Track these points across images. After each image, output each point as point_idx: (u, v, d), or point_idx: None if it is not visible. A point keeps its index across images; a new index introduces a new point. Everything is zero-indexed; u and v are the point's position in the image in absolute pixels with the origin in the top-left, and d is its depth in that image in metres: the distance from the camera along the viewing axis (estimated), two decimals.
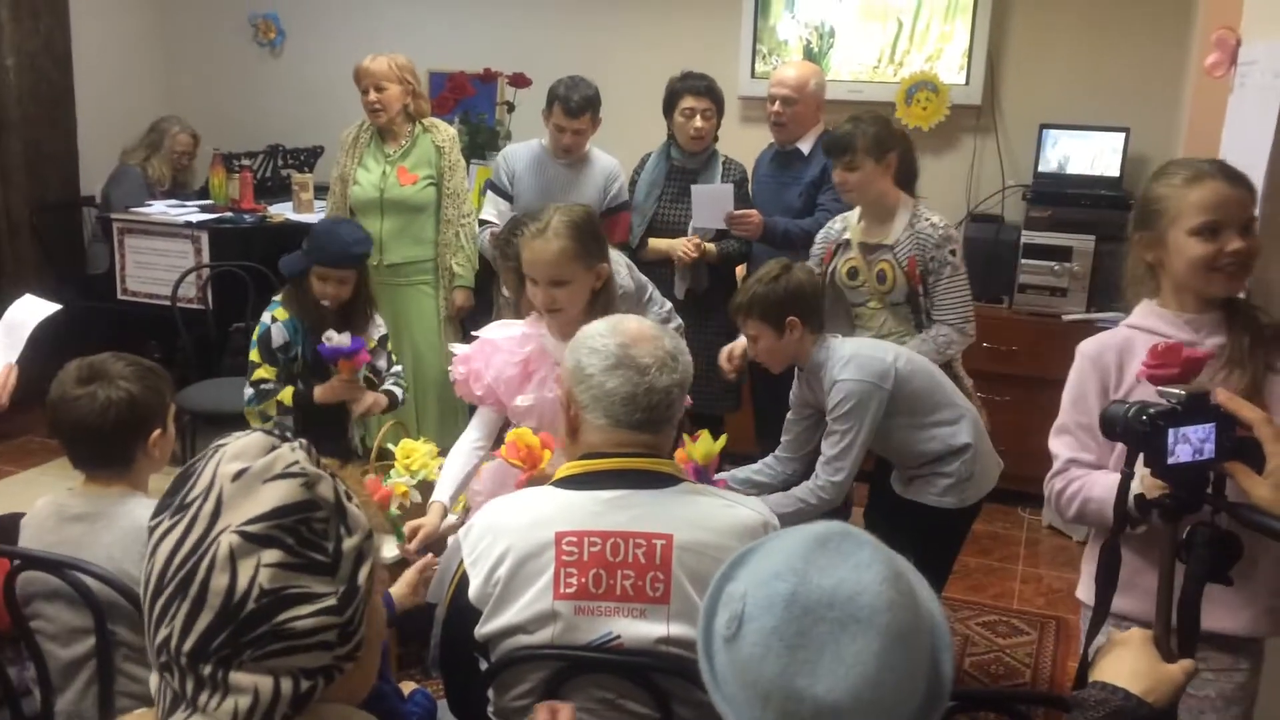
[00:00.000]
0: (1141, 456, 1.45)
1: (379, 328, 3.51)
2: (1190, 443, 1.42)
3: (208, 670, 0.96)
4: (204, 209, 4.85)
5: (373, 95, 3.91)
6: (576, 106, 3.74)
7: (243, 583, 0.95)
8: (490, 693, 1.73)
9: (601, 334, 1.79)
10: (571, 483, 1.74)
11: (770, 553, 1.14)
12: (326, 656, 0.99)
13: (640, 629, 1.63)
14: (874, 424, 2.65)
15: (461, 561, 1.73)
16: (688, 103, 3.83)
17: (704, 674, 1.16)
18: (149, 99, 5.39)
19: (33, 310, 3.01)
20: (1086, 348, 1.99)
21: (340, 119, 4.41)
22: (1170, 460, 1.41)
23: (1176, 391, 1.44)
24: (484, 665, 1.71)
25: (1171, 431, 1.41)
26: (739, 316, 2.77)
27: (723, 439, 2.59)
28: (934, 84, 4.71)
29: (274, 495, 0.98)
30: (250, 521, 0.96)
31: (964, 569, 3.87)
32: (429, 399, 4.12)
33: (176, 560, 0.97)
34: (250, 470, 0.99)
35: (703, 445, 2.54)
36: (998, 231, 4.51)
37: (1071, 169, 4.51)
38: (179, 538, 0.98)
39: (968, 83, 4.71)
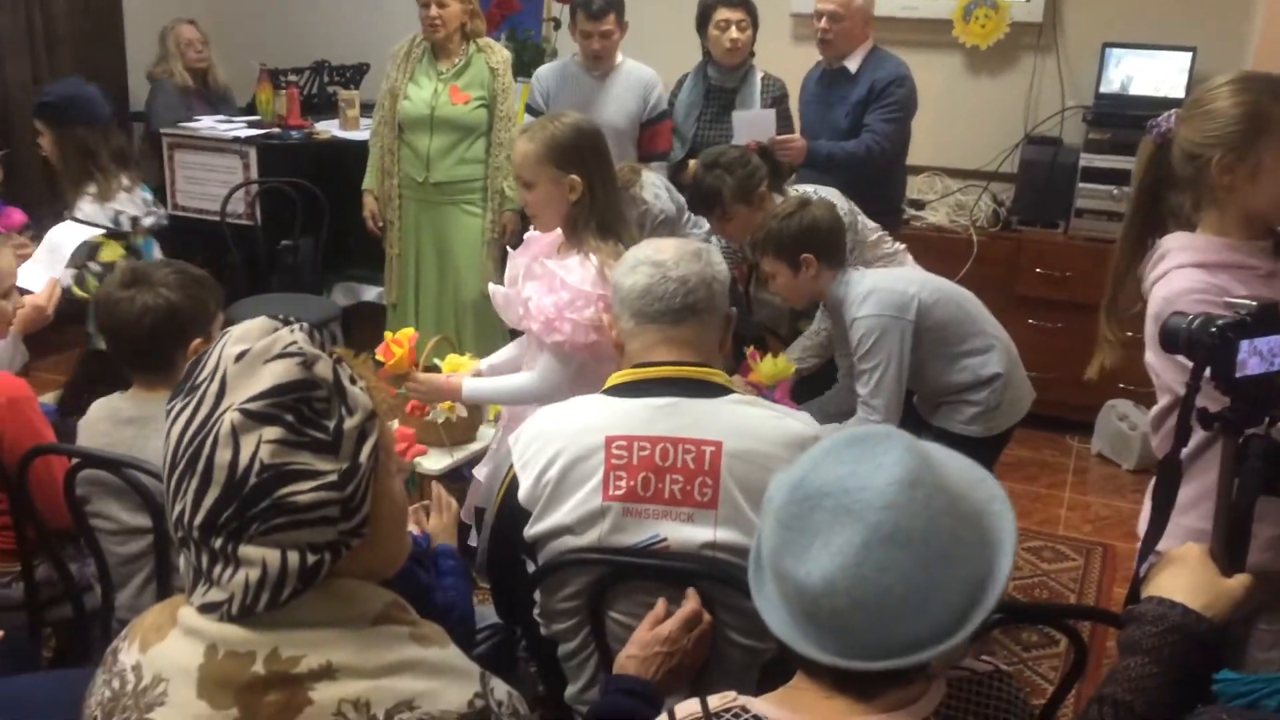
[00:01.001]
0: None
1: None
2: (1261, 354, 1.38)
3: (218, 543, 1.01)
4: (251, 125, 4.85)
5: (434, 10, 3.82)
6: (599, 8, 3.68)
7: (244, 458, 0.99)
8: (537, 595, 1.74)
9: (633, 250, 1.86)
10: (621, 390, 1.74)
11: (812, 450, 1.14)
12: (331, 531, 1.02)
13: (687, 533, 1.64)
14: (903, 356, 2.60)
15: (511, 465, 1.74)
16: (722, 14, 3.76)
17: (750, 567, 1.19)
18: (195, 15, 5.36)
19: (72, 234, 3.08)
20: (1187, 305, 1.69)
21: (387, 35, 4.37)
22: (1240, 373, 1.37)
23: (1246, 302, 1.40)
24: (531, 568, 1.73)
25: (1244, 343, 1.37)
26: (756, 252, 2.73)
27: (790, 366, 2.57)
28: (994, 0, 4.56)
29: (273, 374, 1.01)
30: (251, 399, 1.00)
31: (1010, 494, 3.79)
32: (468, 318, 4.13)
33: (186, 438, 1.02)
34: (251, 351, 1.03)
35: (768, 366, 2.52)
36: (1055, 154, 4.39)
37: (1134, 90, 4.37)
38: (189, 417, 1.02)
39: None
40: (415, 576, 1.65)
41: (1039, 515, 3.85)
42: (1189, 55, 4.27)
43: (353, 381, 1.07)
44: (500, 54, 4.01)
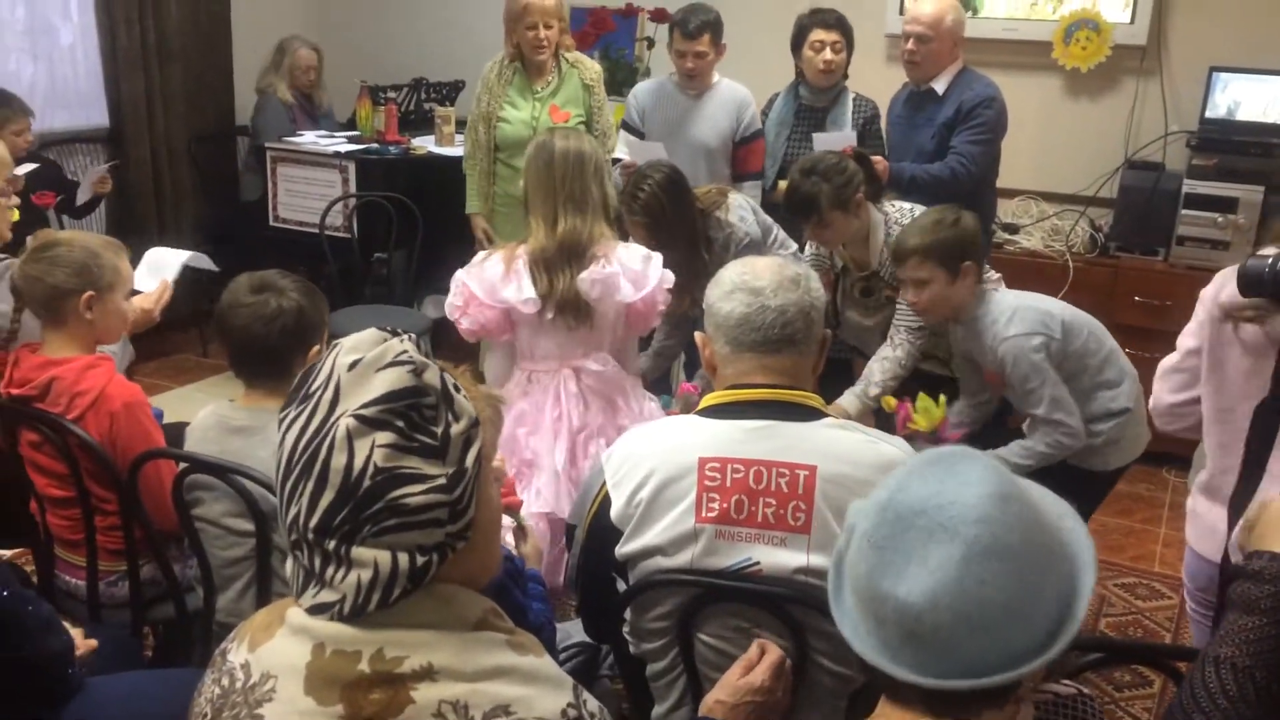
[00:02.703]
0: None
1: None
2: None
3: (332, 545, 1.04)
4: (351, 140, 4.98)
5: (542, 32, 3.85)
6: (695, 29, 3.71)
7: (359, 462, 1.02)
8: (628, 613, 1.75)
9: (728, 270, 1.82)
10: (715, 412, 1.74)
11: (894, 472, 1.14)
12: (439, 533, 1.05)
13: (780, 557, 1.63)
14: (1054, 368, 2.58)
15: (604, 484, 1.75)
16: (817, 35, 3.76)
17: (830, 595, 1.18)
18: (301, 31, 5.53)
19: (171, 254, 3.22)
20: None
21: (481, 53, 4.44)
22: None
23: None
24: (621, 586, 1.74)
25: None
26: (908, 260, 2.67)
27: (943, 401, 2.53)
28: (1096, 22, 4.47)
29: (385, 382, 1.05)
30: (365, 406, 1.04)
31: (1102, 529, 3.76)
32: None
33: (301, 444, 1.05)
34: (364, 360, 1.06)
35: (923, 417, 2.49)
36: (1157, 180, 4.28)
37: (1242, 115, 4.25)
38: (303, 424, 1.06)
39: (1133, 21, 4.45)
40: (511, 594, 1.67)
41: (1133, 550, 3.75)
42: None
43: (457, 390, 1.10)
44: (593, 69, 4.05)
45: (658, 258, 2.74)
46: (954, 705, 1.08)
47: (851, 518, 1.16)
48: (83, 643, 1.86)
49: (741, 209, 3.41)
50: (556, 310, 2.65)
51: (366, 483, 1.02)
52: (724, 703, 1.51)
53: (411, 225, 4.55)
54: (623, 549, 1.71)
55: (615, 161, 3.97)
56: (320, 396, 1.06)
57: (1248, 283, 1.48)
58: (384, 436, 1.03)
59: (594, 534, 1.77)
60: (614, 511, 1.71)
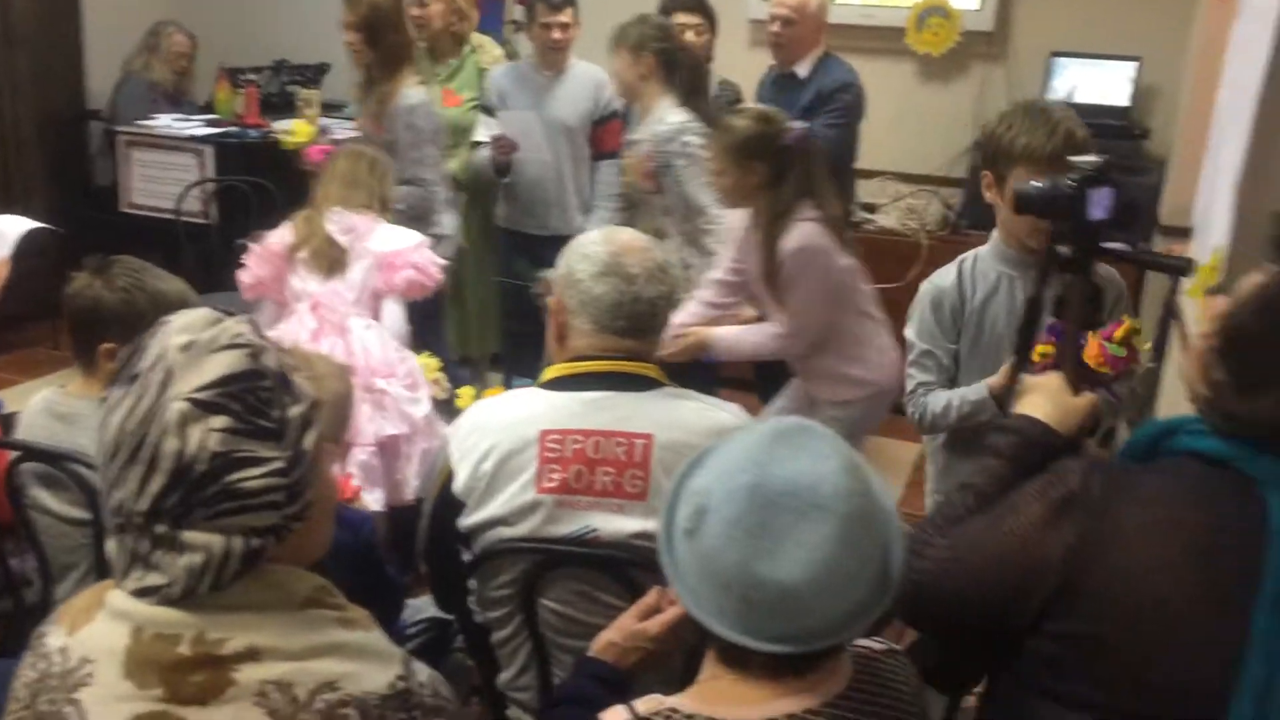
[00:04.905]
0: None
1: None
2: (1098, 204, 1.59)
3: (162, 529, 1.03)
4: (209, 124, 4.84)
5: (415, 10, 3.82)
6: (558, 0, 3.71)
7: (192, 446, 1.01)
8: (473, 582, 1.78)
9: (594, 241, 1.82)
10: (557, 384, 1.77)
11: (730, 449, 1.17)
12: (275, 516, 1.05)
13: (617, 524, 1.68)
14: None
15: (449, 457, 1.77)
16: (679, 19, 3.81)
17: (665, 567, 1.19)
18: (156, 14, 5.35)
19: (16, 223, 3.09)
20: None
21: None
22: (1091, 217, 1.59)
23: (1090, 159, 1.61)
24: (467, 557, 1.77)
25: (1092, 192, 1.58)
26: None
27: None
28: (945, 9, 4.64)
29: (221, 364, 1.04)
30: (199, 389, 1.02)
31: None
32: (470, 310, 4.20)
33: (130, 426, 1.03)
34: (198, 341, 1.04)
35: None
36: None
37: (1079, 98, 4.44)
38: (131, 406, 1.03)
39: (980, 8, 4.64)
40: (378, 557, 1.69)
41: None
42: (1134, 65, 4.37)
43: (296, 372, 1.10)
44: (492, 53, 4.04)
45: (415, 235, 3.07)
46: (797, 663, 1.13)
47: (700, 499, 1.15)
48: None
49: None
50: (311, 253, 2.94)
51: (201, 467, 1.01)
52: (616, 644, 1.50)
53: (274, 210, 4.45)
54: (466, 520, 1.73)
55: (476, 145, 3.95)
56: (149, 377, 1.04)
57: (1020, 203, 1.68)
58: (220, 421, 1.02)
59: (440, 507, 1.79)
60: (458, 485, 1.73)
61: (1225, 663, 1.14)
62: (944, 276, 2.25)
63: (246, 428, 1.03)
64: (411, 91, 3.43)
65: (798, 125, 2.77)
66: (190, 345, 1.04)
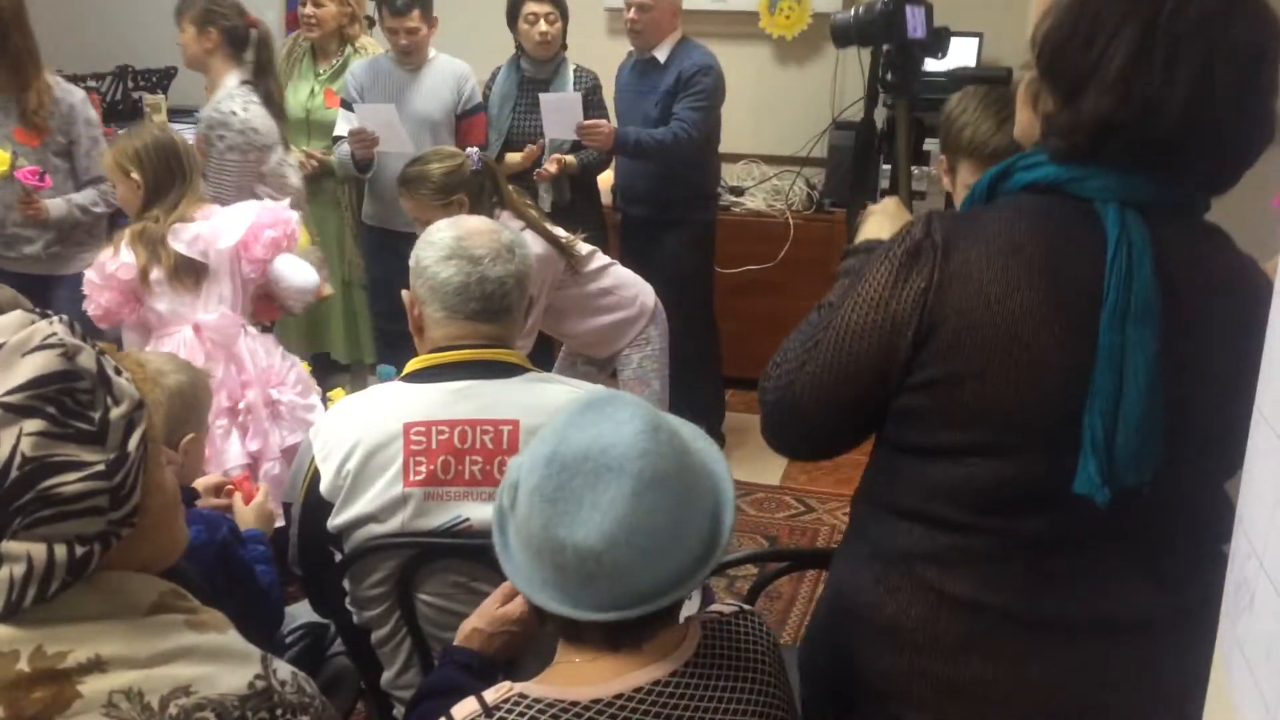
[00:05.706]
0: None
1: None
2: (914, 23, 1.67)
3: None
4: None
5: (309, 9, 3.83)
6: (403, 4, 3.69)
7: (4, 451, 0.97)
8: (346, 583, 1.75)
9: (440, 229, 1.82)
10: (419, 376, 1.76)
11: (548, 425, 1.19)
12: (100, 522, 1.01)
13: (488, 511, 1.61)
14: None
15: (314, 459, 1.74)
16: (530, 8, 3.81)
17: (498, 551, 1.21)
18: None
19: None
20: None
21: None
22: (911, 36, 1.66)
23: None
24: (339, 558, 1.74)
25: (909, 9, 1.64)
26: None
27: None
28: None
29: (32, 366, 1.00)
30: (9, 393, 0.98)
31: (834, 463, 4.02)
32: (334, 309, 4.16)
33: None
34: (8, 344, 1.00)
35: None
36: (857, 138, 4.58)
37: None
38: None
39: None
40: (238, 556, 1.65)
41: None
42: (976, 40, 4.54)
43: (117, 373, 1.06)
44: (373, 53, 3.98)
45: (245, 206, 2.94)
46: (631, 632, 1.15)
47: (513, 474, 1.19)
48: None
49: None
50: (168, 275, 2.75)
51: (14, 473, 0.97)
52: (481, 631, 1.52)
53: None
54: (335, 521, 1.70)
55: (337, 140, 3.87)
56: None
57: (837, 35, 1.74)
58: (32, 424, 0.98)
59: (308, 509, 1.76)
60: (324, 485, 1.71)
61: (1077, 380, 1.14)
62: None
63: (62, 431, 0.99)
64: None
65: (474, 152, 2.98)
66: (0, 348, 1.00)
